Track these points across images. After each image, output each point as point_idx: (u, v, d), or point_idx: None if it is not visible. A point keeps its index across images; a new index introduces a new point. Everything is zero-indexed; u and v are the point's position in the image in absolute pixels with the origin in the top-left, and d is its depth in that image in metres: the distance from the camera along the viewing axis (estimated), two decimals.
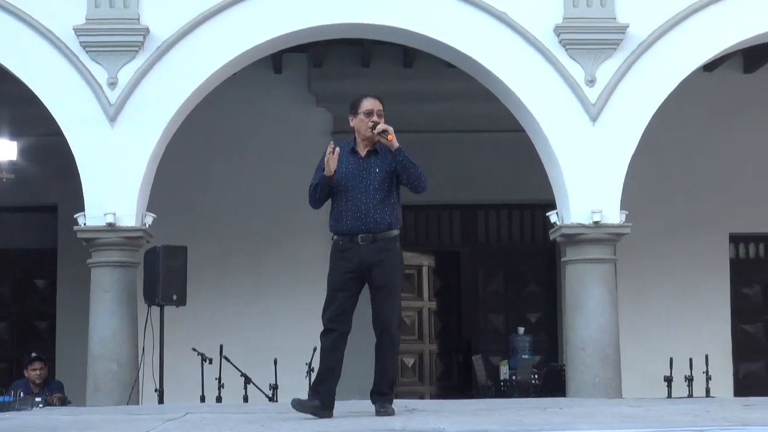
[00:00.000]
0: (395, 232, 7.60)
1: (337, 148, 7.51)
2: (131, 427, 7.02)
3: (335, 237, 7.62)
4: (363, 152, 7.65)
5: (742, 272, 15.92)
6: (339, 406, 7.83)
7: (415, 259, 15.80)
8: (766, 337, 16.08)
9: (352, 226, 7.51)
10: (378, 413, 7.40)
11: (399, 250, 7.62)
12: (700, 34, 11.68)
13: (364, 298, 7.68)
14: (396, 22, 11.57)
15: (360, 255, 7.47)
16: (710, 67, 14.44)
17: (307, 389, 12.44)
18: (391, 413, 7.37)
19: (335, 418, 7.38)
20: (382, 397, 7.52)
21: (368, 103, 7.65)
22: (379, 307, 7.52)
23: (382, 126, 7.53)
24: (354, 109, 7.71)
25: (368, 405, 7.66)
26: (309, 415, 7.36)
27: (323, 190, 7.63)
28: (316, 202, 7.76)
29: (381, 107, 7.66)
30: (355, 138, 7.73)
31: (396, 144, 7.51)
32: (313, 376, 12.60)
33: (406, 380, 15.59)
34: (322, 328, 7.60)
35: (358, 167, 7.60)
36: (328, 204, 7.87)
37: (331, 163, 7.48)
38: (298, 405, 7.42)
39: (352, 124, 7.74)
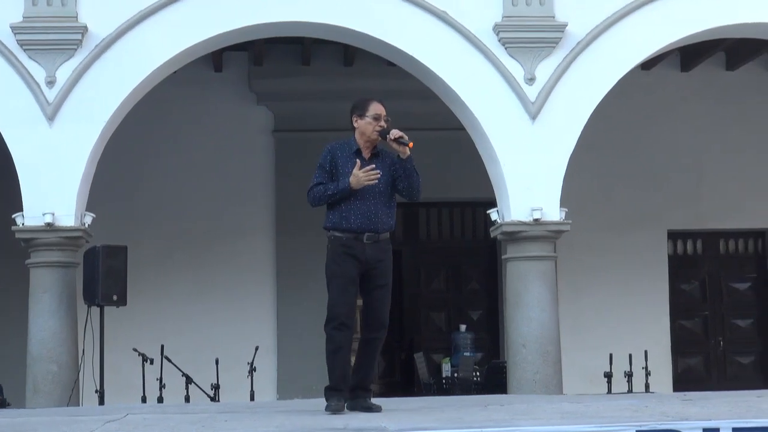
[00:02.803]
0: (389, 234, 7.73)
1: (373, 167, 7.53)
2: (71, 428, 6.96)
3: (337, 234, 7.59)
4: (366, 155, 7.67)
5: (680, 268, 16.09)
6: (282, 405, 7.81)
7: None
8: (704, 333, 16.27)
9: (362, 225, 7.55)
10: (364, 409, 7.42)
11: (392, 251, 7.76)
12: (637, 32, 11.80)
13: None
14: (336, 20, 11.57)
15: (366, 253, 7.55)
16: (648, 65, 14.59)
17: (250, 390, 12.52)
18: (380, 409, 7.44)
19: (278, 414, 7.36)
20: (368, 393, 7.61)
21: (376, 107, 7.69)
22: (378, 306, 7.61)
23: (398, 132, 7.55)
24: (361, 111, 7.70)
25: (312, 404, 7.65)
26: (244, 415, 7.32)
27: (335, 199, 7.59)
28: (320, 203, 7.66)
29: (386, 112, 7.71)
30: (355, 139, 7.72)
31: (409, 152, 7.59)
32: (255, 375, 12.65)
33: None
34: (335, 323, 7.56)
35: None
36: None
37: (363, 182, 7.47)
38: (334, 410, 7.40)
39: (356, 125, 7.71)
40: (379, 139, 7.62)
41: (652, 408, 7.46)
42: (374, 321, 7.63)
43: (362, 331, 7.70)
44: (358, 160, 7.55)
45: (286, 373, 14.95)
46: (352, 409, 7.49)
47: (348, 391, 7.57)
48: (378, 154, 7.69)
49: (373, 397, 7.83)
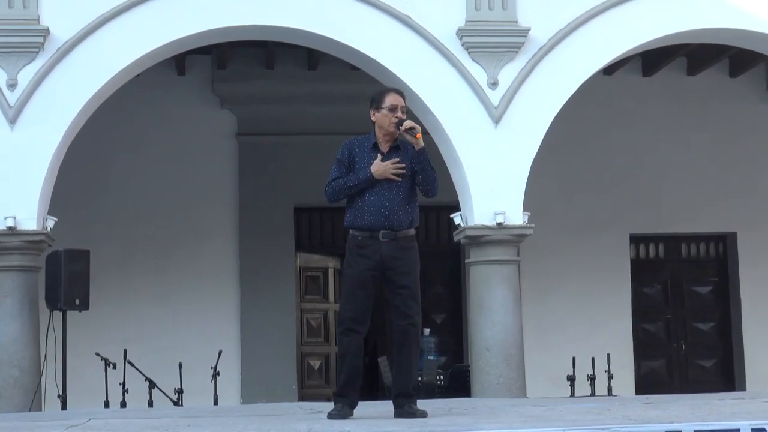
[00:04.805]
0: (413, 230, 7.48)
1: (397, 160, 7.33)
2: None
3: (354, 232, 7.37)
4: (385, 148, 7.44)
5: (642, 272, 16.18)
6: (245, 410, 7.79)
7: (320, 261, 15.80)
8: (666, 336, 16.37)
9: (375, 222, 7.30)
10: (408, 415, 7.14)
11: (417, 250, 7.49)
12: (599, 37, 11.86)
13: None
14: (299, 24, 11.56)
15: (381, 252, 7.29)
16: (610, 70, 14.67)
17: (214, 394, 12.50)
18: (424, 414, 7.16)
19: (242, 419, 7.35)
20: (410, 398, 7.29)
21: (392, 98, 7.45)
22: (404, 310, 7.33)
23: (410, 123, 7.34)
24: (377, 104, 7.47)
25: (275, 407, 7.64)
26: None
27: (355, 191, 7.35)
28: (338, 197, 7.41)
29: (404, 102, 7.48)
30: (374, 133, 7.50)
31: (422, 143, 7.36)
32: (219, 379, 12.62)
33: (313, 382, 15.60)
34: (341, 328, 7.33)
35: None
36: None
37: (387, 174, 7.29)
38: (336, 416, 7.14)
39: (373, 118, 7.48)
40: (398, 131, 7.39)
41: (615, 411, 7.51)
42: (399, 324, 7.33)
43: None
44: (379, 154, 7.35)
45: (250, 377, 14.92)
46: (398, 416, 7.20)
47: (393, 398, 7.31)
48: (398, 147, 7.44)
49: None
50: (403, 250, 7.38)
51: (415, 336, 7.38)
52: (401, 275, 7.36)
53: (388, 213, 7.33)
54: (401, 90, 7.69)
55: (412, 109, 11.95)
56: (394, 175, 7.34)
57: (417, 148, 7.37)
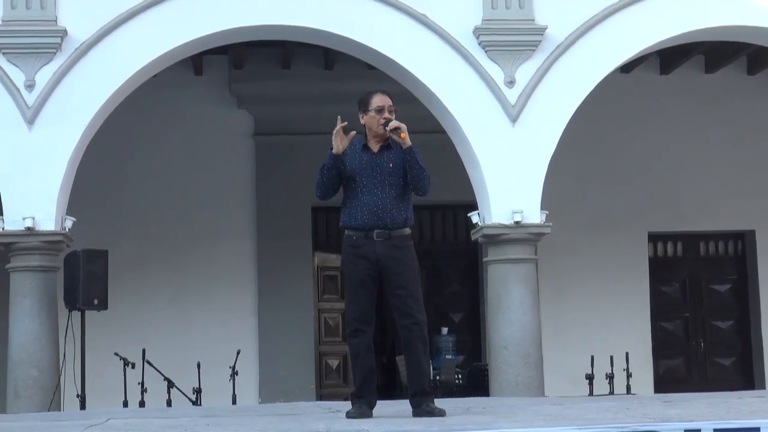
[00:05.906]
0: (409, 229, 7.46)
1: (346, 123, 7.27)
2: None
3: (348, 232, 7.41)
4: (375, 148, 7.45)
5: (660, 270, 16.14)
6: (264, 409, 7.79)
7: (338, 261, 15.76)
8: (685, 334, 16.33)
9: (368, 221, 7.31)
10: (426, 413, 7.12)
11: (413, 249, 7.45)
12: (617, 35, 11.84)
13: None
14: (316, 23, 11.58)
15: (376, 251, 7.29)
16: (627, 68, 14.63)
17: (232, 393, 12.52)
18: (443, 413, 7.14)
19: (260, 418, 7.37)
20: (427, 397, 7.27)
21: (379, 100, 7.46)
22: (405, 310, 7.31)
23: (394, 123, 7.35)
24: (364, 106, 7.49)
25: (294, 407, 7.64)
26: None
27: (330, 172, 7.33)
28: (322, 187, 7.42)
29: (391, 103, 7.49)
30: (366, 134, 7.50)
31: (408, 142, 7.35)
32: (237, 379, 12.64)
33: (331, 382, 15.60)
34: (349, 329, 7.41)
35: (372, 163, 7.39)
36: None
37: (338, 141, 7.26)
38: (355, 415, 7.13)
39: (362, 121, 7.50)
40: (386, 131, 7.38)
41: (634, 410, 7.49)
42: (403, 324, 7.30)
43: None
44: (339, 119, 7.29)
45: (268, 377, 14.94)
46: (416, 416, 7.17)
47: (410, 398, 7.29)
48: (389, 147, 7.45)
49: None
50: (398, 249, 7.35)
51: (419, 333, 7.34)
52: (398, 275, 7.32)
53: (381, 212, 7.34)
54: (387, 90, 7.66)
55: (429, 108, 11.99)
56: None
57: (404, 147, 7.38)
